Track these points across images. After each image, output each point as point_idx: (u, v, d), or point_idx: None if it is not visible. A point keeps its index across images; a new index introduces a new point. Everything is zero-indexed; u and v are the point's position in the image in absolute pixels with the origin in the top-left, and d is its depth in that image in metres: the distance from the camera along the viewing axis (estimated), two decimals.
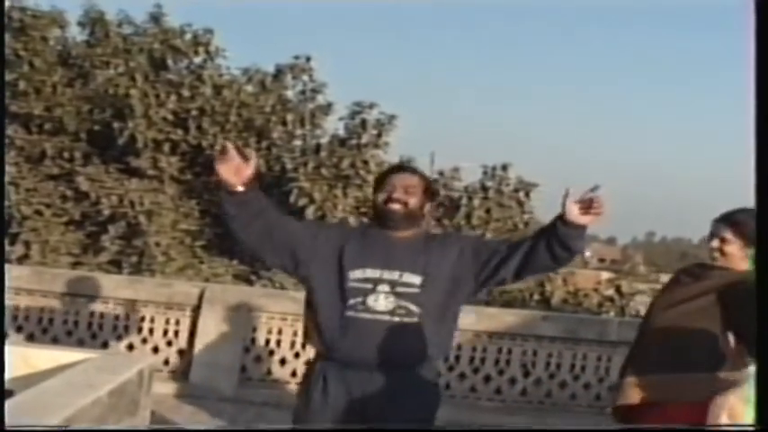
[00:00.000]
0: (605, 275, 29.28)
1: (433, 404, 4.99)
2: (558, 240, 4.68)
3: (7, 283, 9.01)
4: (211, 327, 9.78)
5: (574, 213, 4.57)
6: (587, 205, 4.56)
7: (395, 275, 4.73)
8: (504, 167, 16.92)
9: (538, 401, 10.03)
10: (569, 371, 10.04)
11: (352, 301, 4.71)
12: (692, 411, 3.85)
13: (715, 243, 4.89)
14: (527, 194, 17.08)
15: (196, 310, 9.92)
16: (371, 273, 4.73)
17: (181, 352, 9.97)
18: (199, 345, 9.81)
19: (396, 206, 4.85)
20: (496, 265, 4.83)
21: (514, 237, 16.99)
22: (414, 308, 4.72)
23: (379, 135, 16.36)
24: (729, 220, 4.85)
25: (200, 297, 9.90)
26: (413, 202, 4.89)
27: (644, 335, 5.17)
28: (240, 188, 4.78)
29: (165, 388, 9.29)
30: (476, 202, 16.39)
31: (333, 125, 17.19)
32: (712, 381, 4.46)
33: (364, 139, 16.16)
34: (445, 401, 9.66)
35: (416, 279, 4.73)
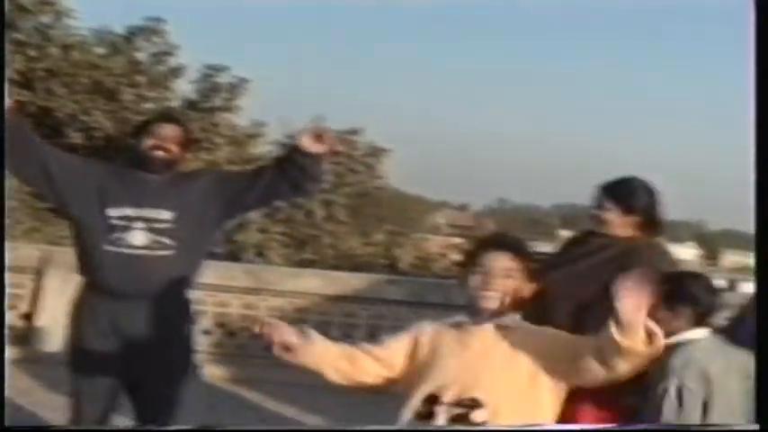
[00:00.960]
0: (456, 242, 29.57)
1: (189, 332, 5.41)
2: (296, 170, 5.20)
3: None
4: (55, 290, 9.66)
5: (306, 142, 5.11)
6: (320, 136, 5.14)
7: (150, 213, 5.05)
8: (355, 132, 17.01)
9: None
10: None
11: (110, 237, 5.00)
12: None
13: (596, 212, 4.96)
14: (378, 160, 17.20)
15: (39, 273, 9.80)
16: (129, 211, 5.04)
17: (24, 316, 9.85)
18: (42, 309, 9.70)
19: (160, 153, 5.15)
20: (241, 194, 5.31)
21: (366, 202, 17.09)
22: (168, 242, 5.08)
23: (231, 99, 16.32)
24: (608, 189, 4.91)
25: (44, 260, 9.79)
26: (175, 150, 5.22)
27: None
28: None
29: (7, 352, 9.17)
30: (326, 166, 16.46)
31: (185, 88, 17.09)
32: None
33: (216, 103, 16.10)
34: (290, 365, 9.77)
35: (169, 215, 5.09)
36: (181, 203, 5.18)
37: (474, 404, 3.43)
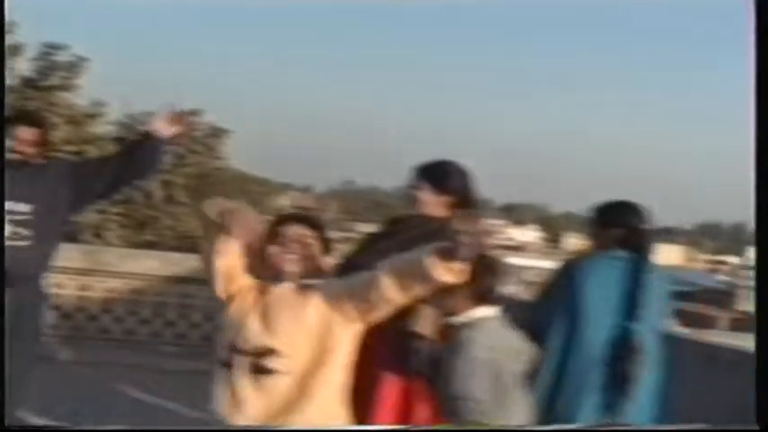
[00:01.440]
0: None
1: (44, 315, 5.78)
2: (146, 154, 5.64)
3: None
4: None
5: (161, 126, 5.56)
6: (176, 119, 5.61)
7: (9, 206, 5.35)
8: (195, 112, 16.94)
9: None
10: None
11: None
12: None
13: (410, 191, 5.11)
14: (218, 140, 17.16)
15: None
16: None
17: None
18: None
19: (17, 156, 5.45)
20: (90, 183, 5.66)
21: (207, 182, 17.08)
22: (25, 232, 5.45)
23: (70, 78, 16.10)
24: (422, 170, 5.07)
25: None
26: (31, 152, 5.52)
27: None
28: None
29: None
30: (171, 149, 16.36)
31: (22, 66, 16.78)
32: None
33: (54, 82, 15.87)
34: (127, 345, 9.73)
35: (26, 207, 5.43)
36: (35, 195, 5.48)
37: (268, 352, 3.65)
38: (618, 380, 5.00)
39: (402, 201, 5.26)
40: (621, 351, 5.03)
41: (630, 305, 5.08)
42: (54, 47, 16.28)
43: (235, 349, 3.72)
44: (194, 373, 7.86)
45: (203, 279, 9.79)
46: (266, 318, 3.75)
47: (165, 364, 9.51)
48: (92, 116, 16.67)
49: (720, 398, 6.78)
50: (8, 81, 16.23)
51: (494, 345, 4.17)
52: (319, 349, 3.70)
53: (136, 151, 5.70)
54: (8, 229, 5.41)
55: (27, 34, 17.37)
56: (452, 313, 4.27)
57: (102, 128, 17.13)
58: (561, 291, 4.95)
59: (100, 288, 9.98)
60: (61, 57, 16.24)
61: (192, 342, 10.13)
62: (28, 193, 5.50)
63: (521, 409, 4.21)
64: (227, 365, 3.72)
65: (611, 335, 4.97)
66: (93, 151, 14.77)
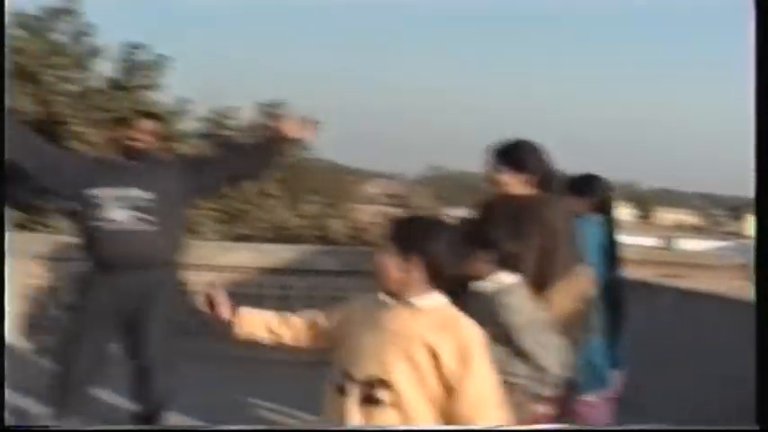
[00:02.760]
0: (390, 211, 29.58)
1: (173, 301, 6.33)
2: (266, 154, 6.21)
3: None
4: None
5: (290, 129, 6.09)
6: (302, 124, 6.13)
7: (129, 192, 5.87)
8: (280, 105, 17.01)
9: None
10: None
11: (95, 215, 5.86)
12: None
13: (488, 172, 5.21)
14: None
15: None
16: (110, 191, 5.87)
17: None
18: None
19: (138, 144, 6.05)
20: (212, 174, 6.23)
21: (297, 174, 17.12)
22: (148, 218, 5.89)
23: (153, 77, 16.23)
24: (500, 151, 5.19)
25: None
26: (151, 141, 6.13)
27: None
28: None
29: None
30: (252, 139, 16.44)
31: (105, 68, 16.95)
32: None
33: (138, 81, 16.01)
34: (228, 338, 9.77)
35: (148, 195, 5.90)
36: (158, 186, 5.96)
37: (380, 384, 3.53)
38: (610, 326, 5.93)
39: (485, 181, 5.34)
40: (610, 301, 5.92)
41: (608, 259, 5.97)
42: (136, 47, 16.42)
43: (348, 375, 3.61)
44: (294, 363, 7.90)
45: (299, 270, 9.86)
46: (380, 343, 3.61)
47: (263, 355, 9.54)
48: (177, 113, 16.79)
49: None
50: (95, 83, 16.46)
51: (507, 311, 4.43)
52: (425, 382, 3.54)
53: (260, 151, 6.24)
54: (130, 213, 5.84)
55: (107, 36, 17.58)
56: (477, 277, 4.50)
57: (188, 124, 17.26)
58: None
59: (199, 282, 10.03)
60: (143, 56, 16.37)
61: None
62: (149, 182, 5.96)
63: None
64: (340, 390, 3.61)
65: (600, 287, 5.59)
66: (180, 148, 14.87)
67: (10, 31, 16.45)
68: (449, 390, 3.49)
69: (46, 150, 6.15)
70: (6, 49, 15.80)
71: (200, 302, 4.18)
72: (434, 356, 3.49)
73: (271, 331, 4.10)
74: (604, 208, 6.13)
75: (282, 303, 10.16)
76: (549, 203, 5.06)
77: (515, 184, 5.14)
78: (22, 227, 14.54)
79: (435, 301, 3.61)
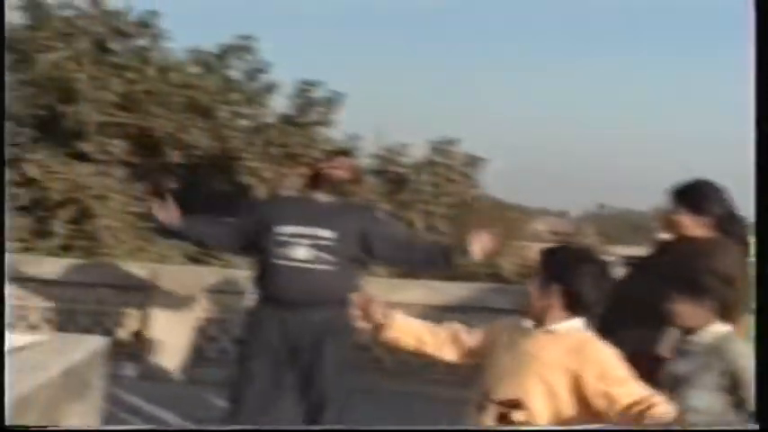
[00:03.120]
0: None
1: (348, 340, 6.26)
2: (447, 261, 6.40)
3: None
4: (163, 307, 9.77)
5: (477, 251, 6.17)
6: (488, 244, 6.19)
7: (312, 231, 6.00)
8: (452, 142, 16.94)
9: None
10: None
11: (278, 251, 5.97)
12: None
13: (668, 215, 5.13)
14: (476, 169, 17.10)
15: (148, 292, 9.90)
16: (293, 229, 5.99)
17: (134, 333, 9.96)
18: (151, 326, 9.80)
19: (332, 173, 6.21)
20: (381, 249, 6.33)
21: (463, 211, 17.09)
22: (329, 257, 5.99)
23: (327, 113, 16.38)
24: (677, 192, 5.08)
25: (152, 278, 9.89)
26: (344, 175, 6.29)
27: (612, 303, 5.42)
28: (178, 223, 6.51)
29: (118, 369, 9.29)
30: (424, 177, 16.41)
31: (279, 104, 17.19)
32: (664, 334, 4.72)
33: (312, 118, 16.17)
34: (400, 375, 9.73)
35: (330, 234, 6.00)
36: (341, 227, 6.08)
37: (515, 405, 3.73)
38: None
39: (659, 222, 5.24)
40: None
41: None
42: (310, 83, 16.58)
43: (486, 395, 3.84)
44: (466, 402, 7.82)
45: (470, 307, 9.81)
46: (517, 364, 3.82)
47: (437, 392, 9.48)
48: (348, 150, 16.88)
49: None
50: (269, 119, 16.70)
51: (736, 357, 4.30)
52: (559, 404, 3.70)
53: (441, 256, 6.43)
54: (312, 252, 5.96)
55: (281, 72, 17.82)
56: (692, 331, 4.45)
57: (359, 161, 17.35)
58: None
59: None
60: (317, 93, 16.54)
61: (462, 371, 10.06)
62: (333, 222, 6.08)
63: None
64: (479, 408, 3.84)
65: None
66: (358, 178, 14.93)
67: (188, 68, 16.84)
68: (600, 404, 3.64)
69: (239, 226, 6.41)
70: (175, 84, 16.21)
71: (354, 304, 4.44)
72: (576, 379, 3.67)
73: (417, 339, 4.35)
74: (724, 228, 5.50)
75: None
76: (726, 248, 4.91)
77: (693, 227, 5.05)
78: (194, 260, 14.77)
79: (570, 326, 3.81)
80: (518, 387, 3.77)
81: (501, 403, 3.77)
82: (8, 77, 15.89)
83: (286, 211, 6.17)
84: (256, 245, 6.21)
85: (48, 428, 3.63)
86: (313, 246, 5.97)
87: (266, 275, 6.11)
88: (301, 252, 5.97)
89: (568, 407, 3.68)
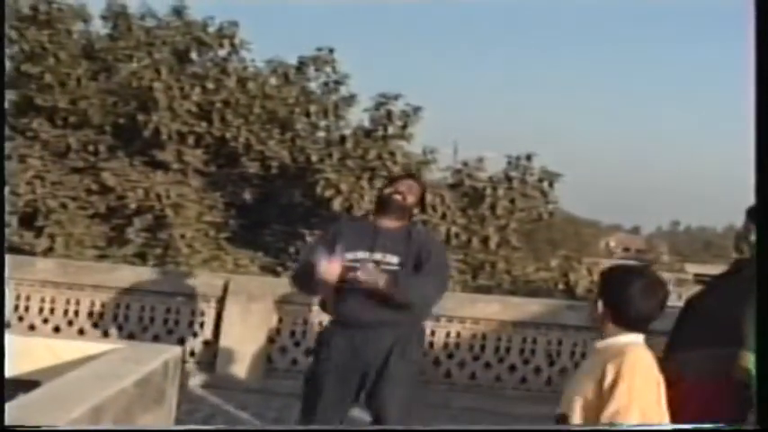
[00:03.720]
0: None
1: (416, 358, 6.33)
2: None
3: (14, 275, 9.19)
4: (236, 317, 9.80)
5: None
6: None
7: (379, 256, 6.08)
8: (528, 157, 16.84)
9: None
10: None
11: (347, 276, 5.96)
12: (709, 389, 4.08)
13: (745, 234, 5.08)
14: (551, 184, 16.99)
15: (221, 302, 9.94)
16: (362, 254, 6.07)
17: (206, 343, 10.00)
18: (224, 336, 9.84)
19: (398, 198, 6.24)
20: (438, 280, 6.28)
21: (539, 227, 16.99)
22: (395, 279, 5.98)
23: (404, 126, 16.37)
24: (752, 212, 5.05)
25: (225, 288, 9.93)
26: (410, 200, 6.32)
27: (685, 320, 5.38)
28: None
29: (191, 379, 9.33)
30: (500, 192, 16.32)
31: (357, 117, 17.22)
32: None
33: (390, 131, 16.16)
34: (470, 390, 9.71)
35: (395, 259, 6.08)
36: (405, 252, 6.13)
37: (564, 420, 3.87)
38: None
39: (735, 241, 5.17)
40: None
41: None
42: (388, 96, 16.57)
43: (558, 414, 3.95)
44: (538, 417, 7.77)
45: (544, 324, 9.79)
46: (569, 384, 4.08)
47: (508, 408, 9.44)
48: (425, 163, 16.86)
49: None
50: (347, 131, 16.74)
51: None
52: (589, 413, 3.80)
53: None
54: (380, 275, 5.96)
55: (359, 85, 17.87)
56: None
57: (435, 174, 17.32)
58: None
59: (442, 333, 10.02)
60: (395, 106, 16.52)
61: (534, 387, 10.02)
62: (399, 248, 6.13)
63: None
64: (561, 421, 3.91)
65: None
66: (429, 198, 14.91)
67: (267, 79, 16.94)
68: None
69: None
70: (253, 95, 16.33)
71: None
72: (600, 384, 3.76)
73: None
74: None
75: (526, 357, 10.05)
76: None
77: None
78: (269, 270, 14.84)
79: (617, 340, 3.90)
80: (565, 403, 3.93)
81: (556, 419, 3.93)
82: (91, 86, 16.14)
83: (354, 237, 6.22)
84: None
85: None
86: (381, 271, 6.02)
87: (336, 299, 6.18)
88: (370, 275, 6.02)
89: (597, 409, 3.77)
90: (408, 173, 6.80)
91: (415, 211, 6.56)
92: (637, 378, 3.73)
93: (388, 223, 6.23)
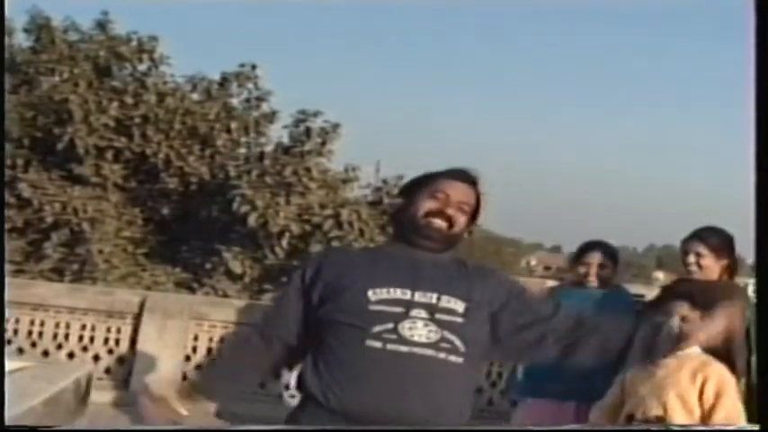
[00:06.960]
0: (550, 284, 29.19)
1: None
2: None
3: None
4: (152, 335, 9.74)
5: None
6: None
7: (431, 298, 3.47)
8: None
9: None
10: None
11: (377, 328, 3.38)
12: None
13: (692, 258, 5.36)
14: None
15: (137, 318, 9.86)
16: (401, 293, 3.46)
17: (121, 360, 9.92)
18: (140, 353, 9.77)
19: (440, 222, 3.65)
20: (535, 341, 3.65)
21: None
22: (459, 343, 3.44)
23: (323, 143, 16.42)
24: (701, 236, 5.38)
25: (142, 305, 9.86)
26: (461, 221, 3.72)
27: None
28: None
29: (105, 396, 9.25)
30: None
31: (277, 133, 17.24)
32: None
33: (308, 147, 16.21)
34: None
35: (459, 305, 3.49)
36: (474, 295, 3.55)
37: (658, 421, 4.16)
38: None
39: (657, 260, 5.34)
40: None
41: None
42: (308, 113, 16.62)
43: (630, 417, 4.28)
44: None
45: None
46: (655, 387, 4.28)
47: None
48: (346, 181, 16.92)
49: None
50: (267, 148, 16.74)
51: None
52: (689, 414, 4.18)
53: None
54: (433, 331, 3.35)
55: (281, 101, 17.87)
56: None
57: (356, 192, 17.38)
58: None
59: None
60: (315, 123, 16.57)
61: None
62: (460, 287, 3.49)
63: None
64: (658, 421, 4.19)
65: None
66: (346, 215, 14.97)
67: (188, 94, 16.89)
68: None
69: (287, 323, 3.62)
70: (172, 110, 16.25)
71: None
72: (701, 391, 4.18)
73: None
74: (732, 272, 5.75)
75: None
76: (741, 294, 5.16)
77: (712, 269, 5.33)
78: (187, 287, 14.77)
79: (696, 350, 4.27)
80: (659, 406, 4.21)
81: (647, 421, 4.18)
82: (11, 100, 15.95)
83: (386, 270, 3.56)
84: (321, 323, 3.52)
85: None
86: (435, 321, 3.40)
87: (344, 362, 3.41)
88: (419, 330, 3.38)
89: (695, 412, 4.17)
90: (462, 172, 3.62)
91: (470, 228, 3.83)
92: (733, 387, 4.21)
93: (428, 253, 3.62)
